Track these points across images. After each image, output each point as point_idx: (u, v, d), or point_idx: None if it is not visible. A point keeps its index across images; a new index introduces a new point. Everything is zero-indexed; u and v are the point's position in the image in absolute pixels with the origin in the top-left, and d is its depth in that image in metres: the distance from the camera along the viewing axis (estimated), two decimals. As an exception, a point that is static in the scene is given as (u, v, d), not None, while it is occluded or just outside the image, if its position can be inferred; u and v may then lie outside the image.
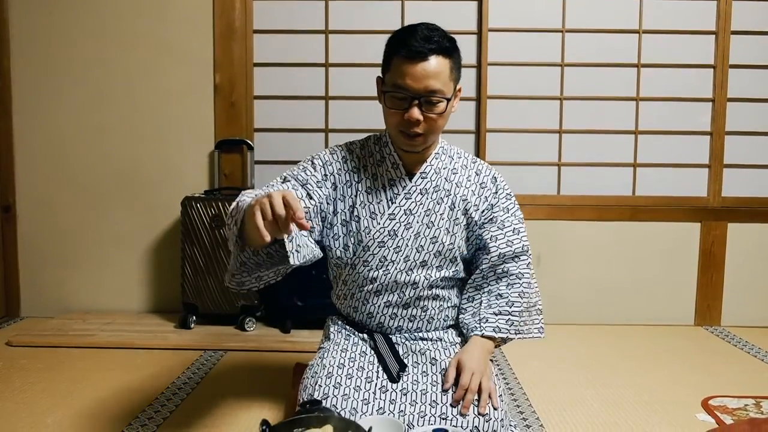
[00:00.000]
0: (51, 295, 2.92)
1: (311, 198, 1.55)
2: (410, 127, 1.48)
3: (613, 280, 2.90)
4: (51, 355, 2.32)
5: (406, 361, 1.55)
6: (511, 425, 1.48)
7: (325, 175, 1.59)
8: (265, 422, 1.00)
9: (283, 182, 1.57)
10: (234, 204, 1.40)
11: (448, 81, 1.48)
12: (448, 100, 1.48)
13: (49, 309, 2.90)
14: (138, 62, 2.85)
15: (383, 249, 1.57)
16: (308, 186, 1.56)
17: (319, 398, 1.39)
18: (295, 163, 1.66)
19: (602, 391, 2.06)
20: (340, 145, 1.67)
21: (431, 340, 1.61)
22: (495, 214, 1.62)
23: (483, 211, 1.62)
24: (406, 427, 1.36)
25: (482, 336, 1.56)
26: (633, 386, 2.10)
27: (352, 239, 1.58)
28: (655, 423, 1.81)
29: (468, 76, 2.85)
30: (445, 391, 1.44)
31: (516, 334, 1.60)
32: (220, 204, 2.64)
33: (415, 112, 1.46)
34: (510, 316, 1.58)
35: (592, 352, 2.48)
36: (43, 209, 2.90)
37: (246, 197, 1.39)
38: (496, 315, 1.58)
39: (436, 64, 1.45)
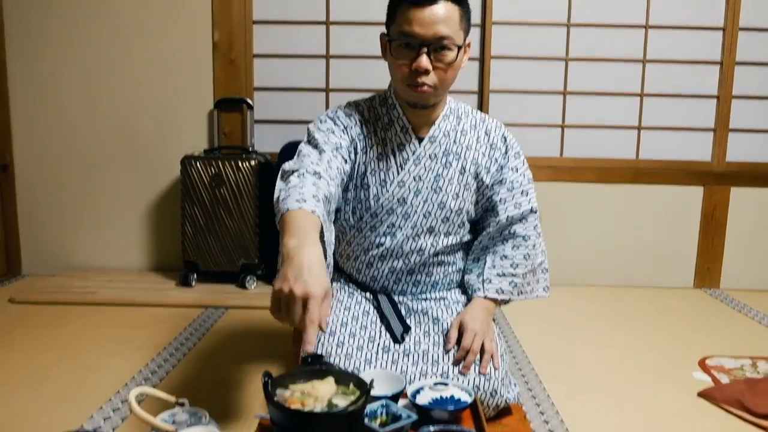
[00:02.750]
0: (52, 254, 2.93)
1: (346, 162, 1.49)
2: (418, 77, 1.42)
3: (613, 243, 2.90)
4: (53, 312, 2.34)
5: (408, 320, 1.55)
6: (511, 384, 1.49)
7: (352, 139, 1.53)
8: (267, 374, 1.01)
9: (315, 148, 1.46)
10: (276, 193, 1.33)
11: (458, 29, 1.42)
12: (459, 47, 1.44)
13: (50, 267, 2.90)
14: (135, 20, 2.79)
15: (391, 216, 1.55)
16: (342, 150, 1.49)
17: (318, 350, 1.40)
18: (295, 123, 1.62)
19: (601, 350, 2.07)
20: (349, 106, 1.59)
21: (434, 299, 1.61)
22: (504, 175, 1.59)
23: (493, 172, 1.59)
24: (407, 383, 1.37)
25: (485, 298, 1.56)
26: (632, 346, 2.11)
27: (360, 205, 1.56)
28: (654, 380, 1.83)
29: (471, 36, 2.79)
30: (447, 351, 1.45)
31: (519, 295, 1.60)
32: (219, 163, 2.62)
33: (424, 60, 1.40)
34: (514, 278, 1.57)
35: (592, 312, 2.50)
36: (42, 168, 2.88)
37: (283, 191, 1.29)
38: (500, 276, 1.57)
39: (445, 9, 1.39)
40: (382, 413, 1.17)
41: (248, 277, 2.62)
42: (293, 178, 1.33)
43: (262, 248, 2.68)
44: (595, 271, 2.91)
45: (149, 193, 2.90)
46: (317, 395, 1.01)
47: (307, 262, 1.08)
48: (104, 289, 2.60)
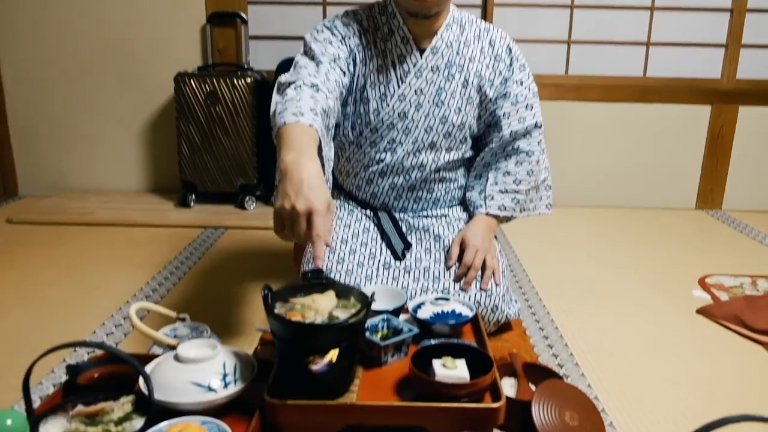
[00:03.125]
0: (48, 174, 2.89)
1: (345, 75, 1.42)
2: None
3: (617, 163, 2.86)
4: (51, 232, 2.32)
5: (409, 238, 1.53)
6: (511, 300, 1.49)
7: (350, 49, 1.45)
8: (267, 287, 0.99)
9: (312, 60, 1.39)
10: (272, 107, 1.27)
11: None
12: None
13: (46, 188, 2.87)
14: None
15: (392, 131, 1.50)
16: (340, 62, 1.41)
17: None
18: (291, 39, 1.54)
19: (602, 269, 2.08)
20: (347, 15, 1.50)
21: (436, 216, 1.59)
22: (509, 89, 1.52)
23: (497, 86, 1.52)
24: (408, 298, 1.37)
25: (486, 214, 1.54)
26: (632, 265, 2.11)
27: (359, 120, 1.51)
28: (652, 298, 1.84)
29: (477, -57, 2.65)
30: (448, 268, 1.44)
31: (521, 212, 1.58)
32: (214, 81, 2.54)
33: None
34: (516, 194, 1.54)
35: (593, 233, 2.49)
36: (32, 87, 2.79)
37: (280, 104, 1.23)
38: (503, 193, 1.54)
39: None
40: (383, 327, 1.17)
41: (247, 198, 2.59)
42: (290, 91, 1.27)
43: (260, 168, 2.64)
44: (598, 191, 2.88)
45: (144, 112, 2.83)
46: (318, 308, 1.00)
47: (307, 176, 1.05)
48: (102, 209, 2.58)
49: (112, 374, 1.08)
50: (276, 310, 1.00)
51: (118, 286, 1.84)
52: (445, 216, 1.59)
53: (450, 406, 0.94)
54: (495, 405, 0.94)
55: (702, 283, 1.96)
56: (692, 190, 2.89)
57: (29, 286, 1.83)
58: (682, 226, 2.62)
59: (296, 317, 0.97)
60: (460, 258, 1.45)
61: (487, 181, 1.56)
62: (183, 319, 1.35)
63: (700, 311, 1.74)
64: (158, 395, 0.95)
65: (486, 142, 1.58)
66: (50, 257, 2.07)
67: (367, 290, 1.14)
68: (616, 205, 2.87)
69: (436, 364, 1.00)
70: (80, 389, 1.01)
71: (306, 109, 1.20)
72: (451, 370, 0.98)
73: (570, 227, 2.54)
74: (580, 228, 2.55)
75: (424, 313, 1.23)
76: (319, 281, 1.09)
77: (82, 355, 1.41)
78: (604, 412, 1.24)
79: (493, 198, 1.54)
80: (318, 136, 1.17)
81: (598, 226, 2.58)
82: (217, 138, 2.58)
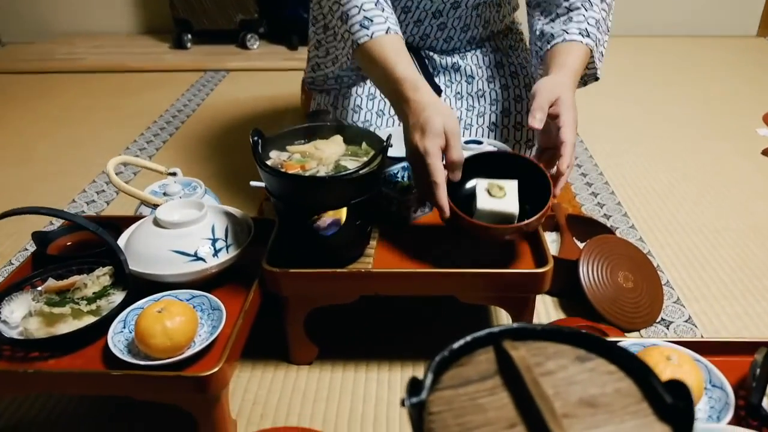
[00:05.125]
0: (29, 18, 2.61)
1: None
2: None
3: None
4: (38, 82, 2.11)
5: (437, 80, 1.28)
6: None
7: None
8: (256, 132, 0.80)
9: None
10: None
11: None
12: None
13: (29, 34, 2.60)
14: None
15: None
16: None
17: (328, 109, 1.19)
18: None
19: (651, 106, 1.83)
20: None
21: (468, 55, 1.29)
22: None
23: None
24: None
25: (571, 47, 1.02)
26: (686, 101, 1.86)
27: None
28: (710, 138, 1.61)
29: None
30: (528, 127, 0.95)
31: (600, 59, 1.10)
32: None
33: None
34: (594, 26, 1.05)
35: (641, 65, 2.20)
36: None
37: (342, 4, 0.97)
38: (578, 23, 1.05)
39: None
40: (403, 177, 0.98)
41: (249, 36, 2.31)
42: None
43: (262, 1, 2.32)
44: (645, 19, 2.53)
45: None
46: (321, 157, 0.81)
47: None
48: (92, 55, 2.34)
49: (89, 242, 0.92)
50: (270, 161, 0.81)
51: (110, 139, 1.66)
52: (478, 57, 1.28)
53: (484, 272, 0.78)
54: (540, 270, 0.77)
55: (767, 120, 1.71)
56: (755, 14, 2.52)
57: (15, 143, 1.66)
58: (742, 56, 2.30)
59: (294, 169, 0.79)
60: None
61: (557, 16, 1.10)
62: (174, 174, 1.17)
63: (766, 152, 1.52)
64: (137, 266, 0.80)
65: None
66: (37, 110, 1.88)
67: (383, 134, 0.94)
68: (665, 34, 2.53)
69: (480, 188, 0.81)
70: (50, 260, 0.86)
71: (380, 13, 0.94)
72: (498, 201, 0.79)
73: (614, 59, 2.24)
74: (626, 60, 2.25)
75: (452, 160, 1.02)
76: (324, 122, 0.89)
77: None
78: (659, 269, 1.07)
79: (571, 21, 1.07)
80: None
81: (646, 58, 2.28)
82: (210, -35, 2.25)
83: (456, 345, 0.45)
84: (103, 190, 1.38)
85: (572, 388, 0.42)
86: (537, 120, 0.84)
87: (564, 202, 1.21)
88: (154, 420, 0.80)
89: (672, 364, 0.61)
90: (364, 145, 0.85)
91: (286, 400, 0.83)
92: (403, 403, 0.40)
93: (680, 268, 1.08)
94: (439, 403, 0.42)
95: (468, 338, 0.46)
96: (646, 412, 0.40)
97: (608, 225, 1.20)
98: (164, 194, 1.10)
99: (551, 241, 1.07)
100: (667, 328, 0.93)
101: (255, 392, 0.84)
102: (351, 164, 0.80)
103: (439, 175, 0.77)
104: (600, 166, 1.46)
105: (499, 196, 0.80)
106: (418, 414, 0.40)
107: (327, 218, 0.78)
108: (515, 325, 0.47)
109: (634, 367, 0.42)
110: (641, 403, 0.41)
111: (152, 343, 0.68)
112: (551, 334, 0.47)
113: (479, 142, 1.05)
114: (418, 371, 0.86)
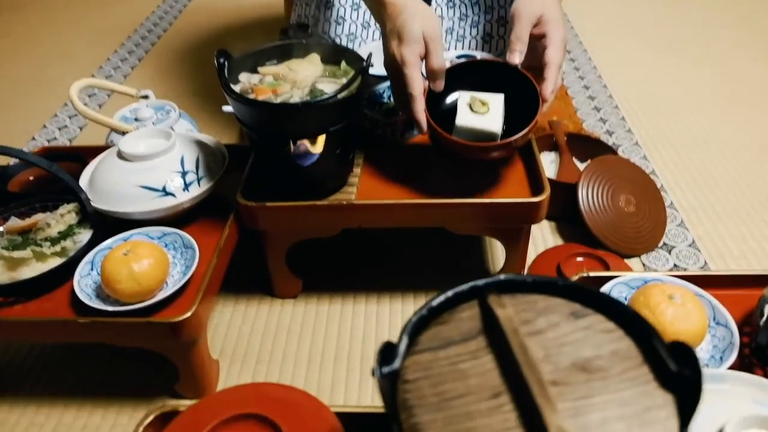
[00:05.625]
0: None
1: None
2: None
3: None
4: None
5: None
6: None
7: None
8: (221, 53, 0.72)
9: None
10: None
11: None
12: None
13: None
14: None
15: None
16: None
17: (308, 22, 1.09)
18: None
19: (659, 6, 1.70)
20: None
21: None
22: None
23: None
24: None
25: None
26: (704, 2, 1.73)
27: None
28: (725, 43, 1.49)
29: None
30: (512, 53, 0.80)
31: None
32: None
33: None
34: None
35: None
36: None
37: None
38: None
39: None
40: (389, 97, 0.90)
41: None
42: None
43: None
44: None
45: None
46: (296, 79, 0.74)
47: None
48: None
49: (54, 176, 0.86)
50: (240, 85, 0.74)
51: (83, 57, 1.56)
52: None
53: (475, 202, 0.72)
54: (536, 199, 0.72)
55: (785, 21, 1.59)
56: None
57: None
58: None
59: (265, 94, 0.71)
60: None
61: None
62: (146, 97, 1.09)
63: (782, 56, 1.42)
64: (102, 204, 0.74)
65: None
66: (2, 25, 1.76)
67: (367, 49, 0.85)
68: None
69: (462, 102, 0.74)
70: (11, 198, 0.81)
71: None
72: (479, 118, 0.72)
73: None
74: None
75: (443, 78, 0.94)
76: (299, 40, 0.81)
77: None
78: (663, 189, 1.02)
79: None
80: None
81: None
82: None
83: (435, 302, 0.40)
84: (76, 115, 1.30)
85: (564, 349, 0.37)
86: (517, 54, 0.75)
87: (564, 119, 1.14)
88: (141, 357, 0.77)
89: (674, 303, 0.57)
90: (343, 64, 0.77)
91: (270, 336, 0.80)
92: (373, 373, 0.35)
93: (685, 188, 1.03)
94: (416, 368, 0.37)
95: (449, 293, 0.41)
96: (647, 377, 0.35)
97: (611, 143, 1.14)
98: (135, 120, 1.03)
99: (549, 162, 1.01)
100: (669, 253, 0.89)
101: (238, 328, 0.81)
102: (329, 87, 0.73)
103: (417, 86, 0.70)
104: (603, 78, 1.37)
105: (481, 112, 0.72)
106: (391, 385, 0.36)
107: (303, 147, 0.71)
108: (502, 277, 0.42)
109: (635, 325, 0.38)
110: (641, 367, 0.36)
111: (119, 288, 0.64)
112: (543, 286, 0.42)
113: (472, 57, 0.96)
114: (408, 305, 0.83)
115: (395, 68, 0.72)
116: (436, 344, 0.39)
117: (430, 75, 0.73)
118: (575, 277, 0.64)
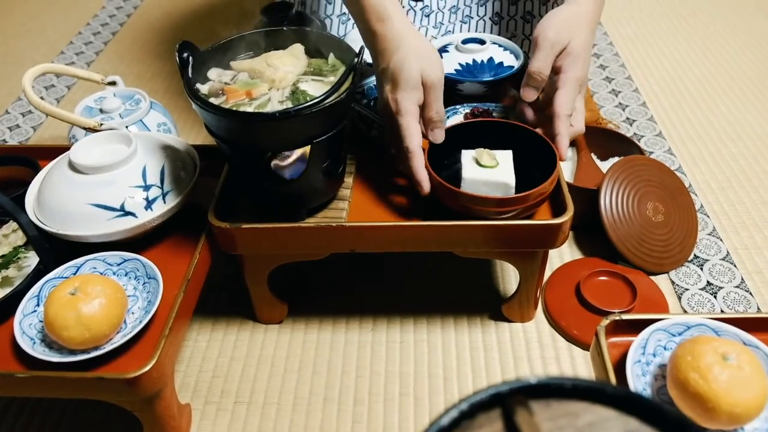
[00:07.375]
0: None
1: None
2: None
3: None
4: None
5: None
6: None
7: None
8: (185, 45, 0.60)
9: None
10: None
11: None
12: None
13: None
14: None
15: None
16: None
17: (293, 0, 0.96)
18: None
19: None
20: None
21: None
22: None
23: None
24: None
25: None
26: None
27: None
28: (759, 12, 1.37)
29: None
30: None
31: None
32: None
33: None
34: None
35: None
36: None
37: None
38: None
39: None
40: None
41: None
42: None
43: None
44: None
45: None
46: (274, 77, 0.62)
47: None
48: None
49: (2, 182, 0.76)
50: (208, 85, 0.62)
51: (51, 32, 1.43)
52: None
53: (487, 224, 0.62)
54: (558, 221, 0.61)
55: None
56: None
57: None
58: None
59: (237, 97, 0.60)
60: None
61: None
62: (113, 84, 0.97)
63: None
64: (51, 225, 0.63)
65: None
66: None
67: (355, 36, 0.73)
68: None
69: (466, 158, 0.64)
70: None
71: None
72: (488, 172, 0.63)
73: None
74: None
75: (447, 66, 0.82)
76: (281, 25, 0.69)
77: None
78: (690, 189, 0.91)
79: None
80: None
81: None
82: None
83: (445, 420, 0.30)
84: (30, 111, 1.17)
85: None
86: (532, 91, 0.66)
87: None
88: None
89: (729, 365, 0.47)
90: (331, 57, 0.66)
91: (251, 370, 0.70)
92: None
93: (716, 188, 0.92)
94: None
95: (464, 406, 0.31)
96: None
97: (632, 133, 1.02)
98: (100, 111, 0.91)
99: (566, 161, 0.90)
100: (701, 269, 0.79)
101: (215, 360, 0.71)
102: (314, 88, 0.62)
103: (414, 140, 0.61)
104: (621, 56, 1.25)
105: (490, 166, 0.63)
106: None
107: (283, 161, 0.60)
108: (532, 380, 0.32)
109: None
110: None
111: (65, 335, 0.54)
112: (586, 392, 0.32)
113: (482, 42, 0.85)
114: (407, 334, 0.73)
115: (390, 116, 0.63)
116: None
117: (427, 125, 0.63)
118: (605, 322, 0.54)
